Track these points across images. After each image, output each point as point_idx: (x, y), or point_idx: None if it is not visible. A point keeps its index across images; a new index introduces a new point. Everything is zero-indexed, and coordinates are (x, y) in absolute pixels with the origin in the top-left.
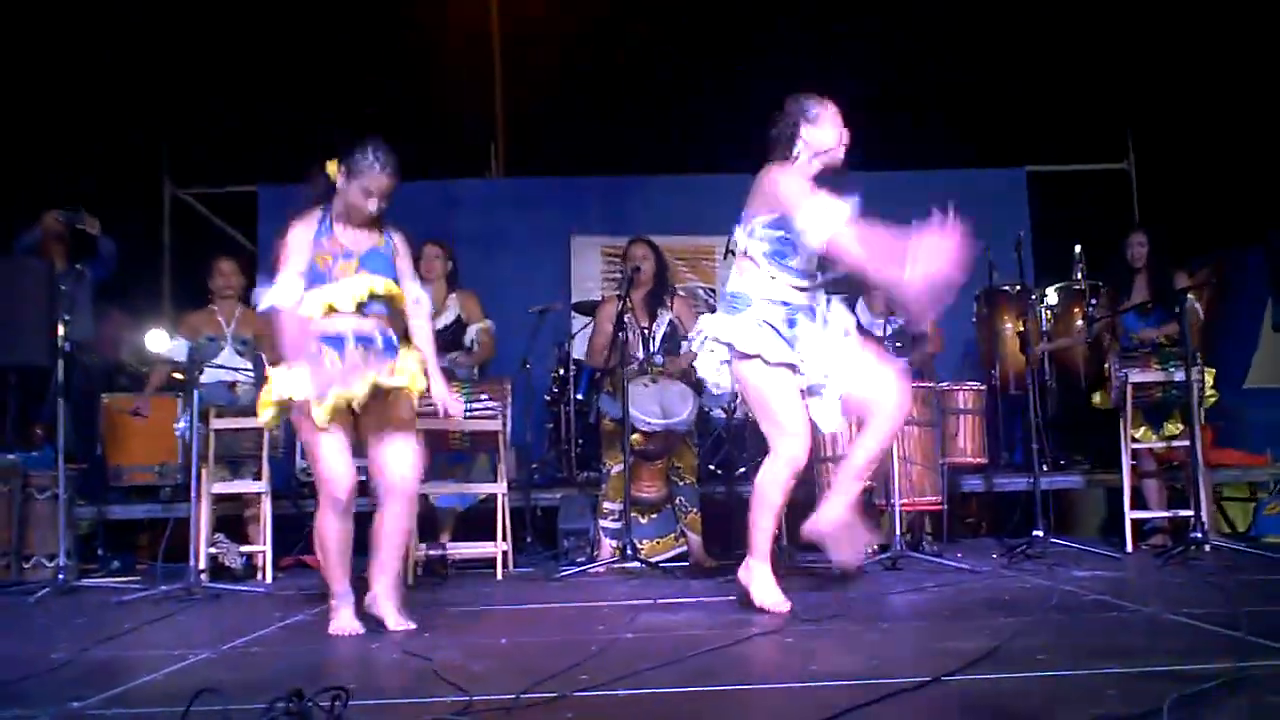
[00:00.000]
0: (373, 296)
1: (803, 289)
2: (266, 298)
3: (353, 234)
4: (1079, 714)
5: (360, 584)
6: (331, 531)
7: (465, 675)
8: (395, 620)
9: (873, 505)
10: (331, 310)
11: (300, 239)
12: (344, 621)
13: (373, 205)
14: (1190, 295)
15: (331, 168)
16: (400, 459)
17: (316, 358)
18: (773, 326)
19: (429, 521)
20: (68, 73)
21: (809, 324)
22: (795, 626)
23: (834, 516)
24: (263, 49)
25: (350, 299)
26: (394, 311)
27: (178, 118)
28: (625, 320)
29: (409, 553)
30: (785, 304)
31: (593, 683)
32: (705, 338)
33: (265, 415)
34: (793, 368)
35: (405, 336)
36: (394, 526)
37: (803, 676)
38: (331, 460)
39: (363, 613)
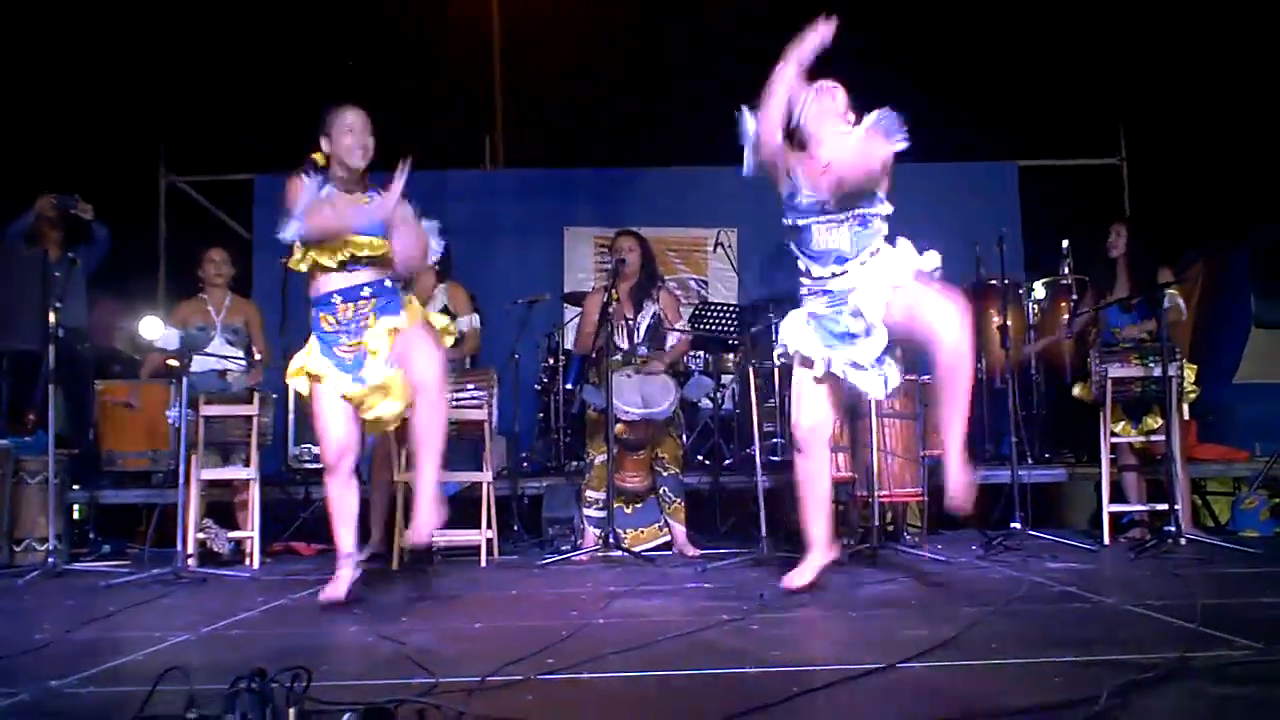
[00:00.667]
0: (355, 258)
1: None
2: (291, 230)
3: (344, 197)
4: (1021, 700)
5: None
6: (331, 497)
7: (436, 659)
8: (426, 515)
9: (853, 499)
10: (321, 269)
11: (303, 184)
12: (335, 587)
13: (356, 143)
14: (1171, 290)
15: (319, 155)
16: (421, 360)
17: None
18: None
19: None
20: (64, 60)
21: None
22: (763, 614)
23: (958, 478)
24: (260, 38)
25: (334, 258)
26: (385, 264)
27: (174, 105)
28: (610, 311)
29: (397, 532)
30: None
31: (558, 666)
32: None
33: (298, 383)
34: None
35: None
36: (425, 421)
37: (762, 662)
38: (326, 420)
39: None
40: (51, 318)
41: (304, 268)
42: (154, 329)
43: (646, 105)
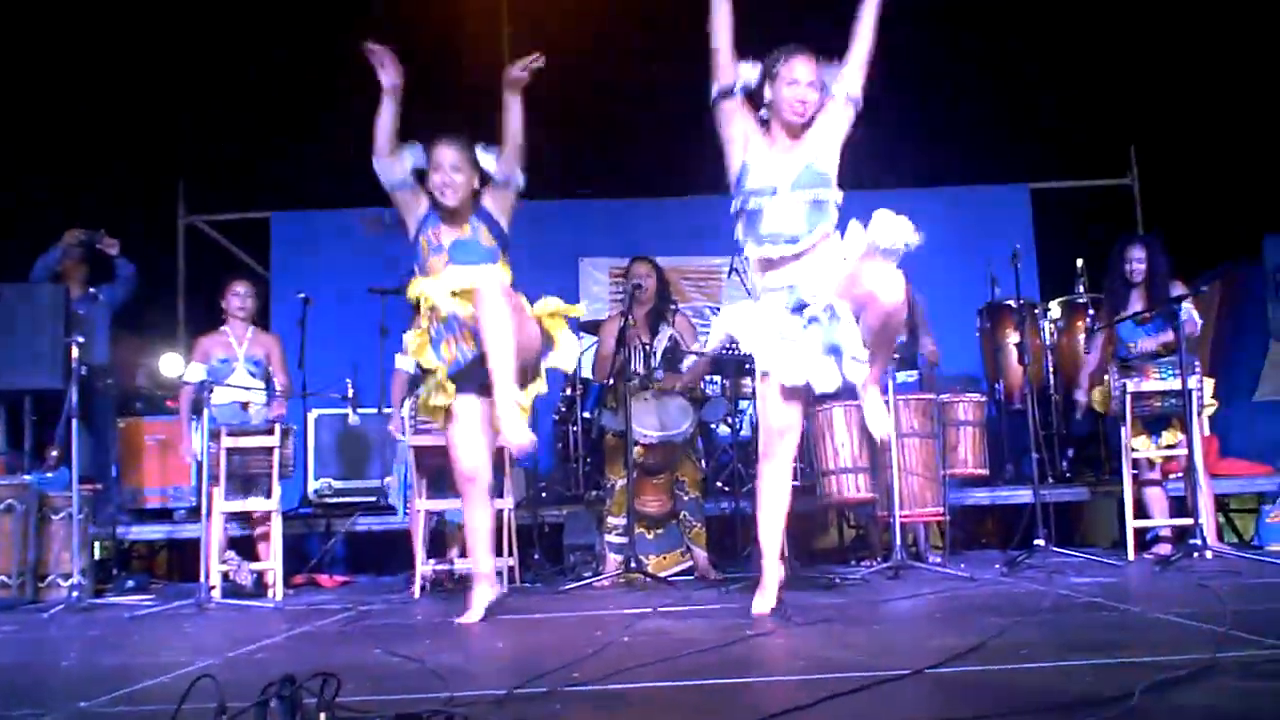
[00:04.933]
0: (455, 294)
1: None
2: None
3: (446, 230)
4: (1053, 700)
5: None
6: (465, 512)
7: (461, 675)
8: (507, 425)
9: (874, 519)
10: (430, 304)
11: (420, 208)
12: (469, 612)
13: (443, 181)
14: (1186, 304)
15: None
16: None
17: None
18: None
19: (438, 537)
20: (84, 100)
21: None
22: (788, 628)
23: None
24: (276, 79)
25: (441, 293)
26: None
27: (193, 145)
28: (627, 336)
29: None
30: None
31: (584, 679)
32: None
33: (437, 400)
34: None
35: None
36: (484, 327)
37: (788, 670)
38: (455, 437)
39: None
40: (74, 353)
41: (411, 296)
42: (174, 366)
43: (659, 135)
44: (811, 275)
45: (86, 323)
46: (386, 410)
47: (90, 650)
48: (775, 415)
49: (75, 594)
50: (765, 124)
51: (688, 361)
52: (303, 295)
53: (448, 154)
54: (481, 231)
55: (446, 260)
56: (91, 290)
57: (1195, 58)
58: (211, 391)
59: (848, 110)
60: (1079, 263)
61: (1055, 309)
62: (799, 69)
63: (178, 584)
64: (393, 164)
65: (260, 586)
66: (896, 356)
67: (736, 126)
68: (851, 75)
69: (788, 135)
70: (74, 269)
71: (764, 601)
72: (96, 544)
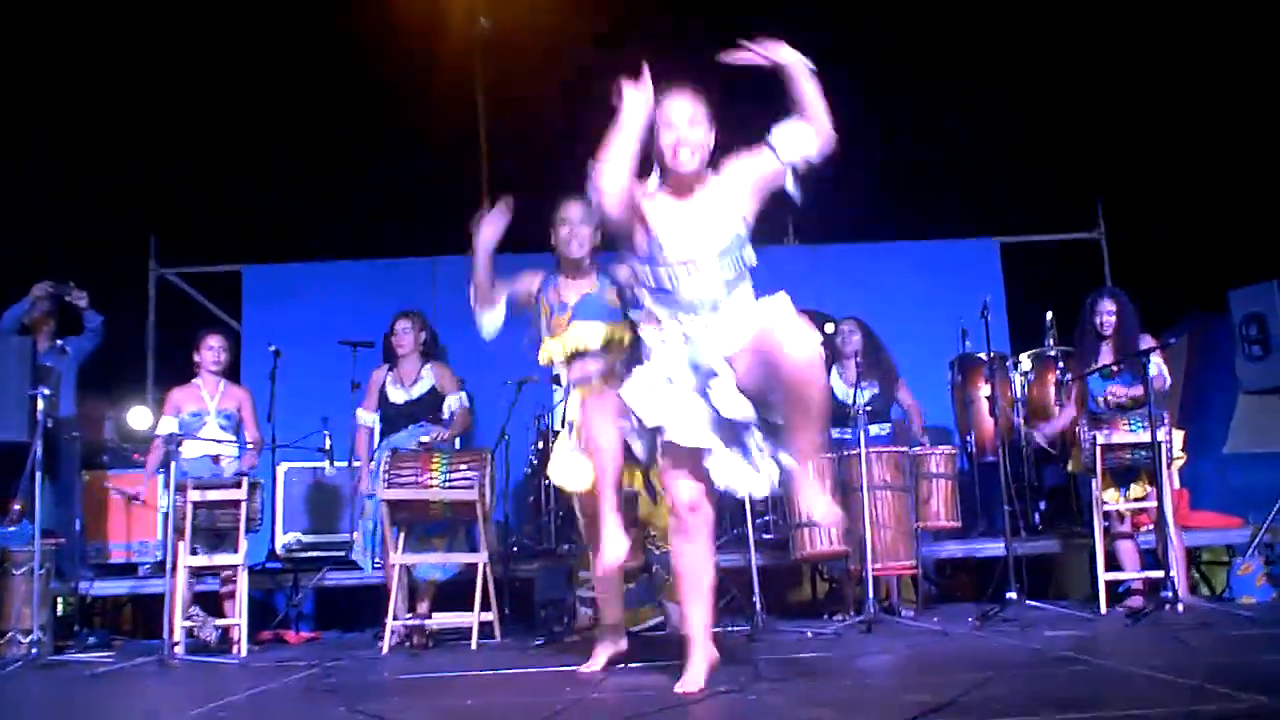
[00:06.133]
0: (577, 352)
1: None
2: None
3: (570, 285)
4: None
5: None
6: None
7: None
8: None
9: (847, 573)
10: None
11: (532, 276)
12: (594, 661)
13: (571, 235)
14: (1155, 357)
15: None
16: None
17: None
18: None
19: (408, 591)
20: (56, 152)
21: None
22: (760, 684)
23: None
24: (250, 131)
25: (563, 352)
26: (614, 348)
27: (164, 198)
28: None
29: (390, 614)
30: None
31: None
32: None
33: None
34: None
35: None
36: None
37: None
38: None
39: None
40: (40, 405)
41: (543, 360)
42: (143, 419)
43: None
44: (715, 334)
45: (53, 375)
46: (357, 464)
47: (48, 709)
48: (683, 488)
49: (35, 650)
50: (662, 176)
51: None
52: (273, 348)
53: (573, 210)
54: (609, 291)
55: (571, 317)
56: (59, 343)
57: (1161, 115)
58: (180, 445)
59: (776, 167)
60: (1048, 315)
61: (1026, 361)
62: (674, 110)
63: (141, 641)
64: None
65: (225, 642)
66: (869, 409)
67: (630, 220)
68: (793, 136)
69: (687, 188)
70: (42, 321)
71: (691, 681)
72: (60, 600)
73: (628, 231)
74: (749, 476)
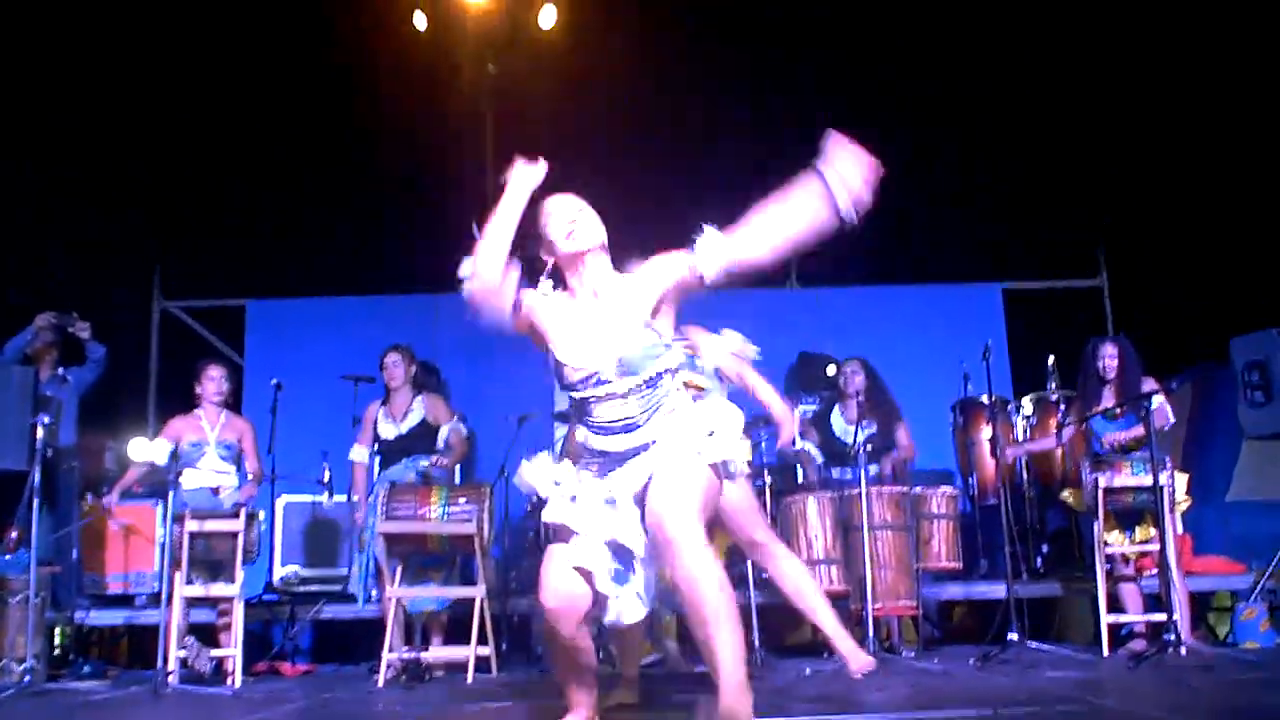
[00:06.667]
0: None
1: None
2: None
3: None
4: None
5: None
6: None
7: None
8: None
9: (847, 613)
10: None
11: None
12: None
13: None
14: (1158, 399)
15: None
16: None
17: None
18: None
19: (407, 626)
20: (61, 185)
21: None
22: (760, 717)
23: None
24: (255, 166)
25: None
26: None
27: (168, 232)
28: None
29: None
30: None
31: None
32: None
33: None
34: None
35: None
36: None
37: None
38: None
39: None
40: (40, 433)
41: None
42: (142, 450)
43: (627, 217)
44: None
45: (54, 404)
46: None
47: None
48: (553, 576)
49: (28, 678)
50: (557, 280)
51: None
52: (275, 381)
53: None
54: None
55: None
56: (60, 372)
57: (1164, 163)
58: (180, 474)
59: (688, 275)
60: (1050, 359)
61: (1028, 405)
62: (554, 205)
63: (136, 671)
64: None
65: (219, 674)
66: (869, 447)
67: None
68: (714, 252)
69: (588, 287)
70: (45, 351)
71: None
72: (58, 630)
73: (527, 336)
74: (624, 604)
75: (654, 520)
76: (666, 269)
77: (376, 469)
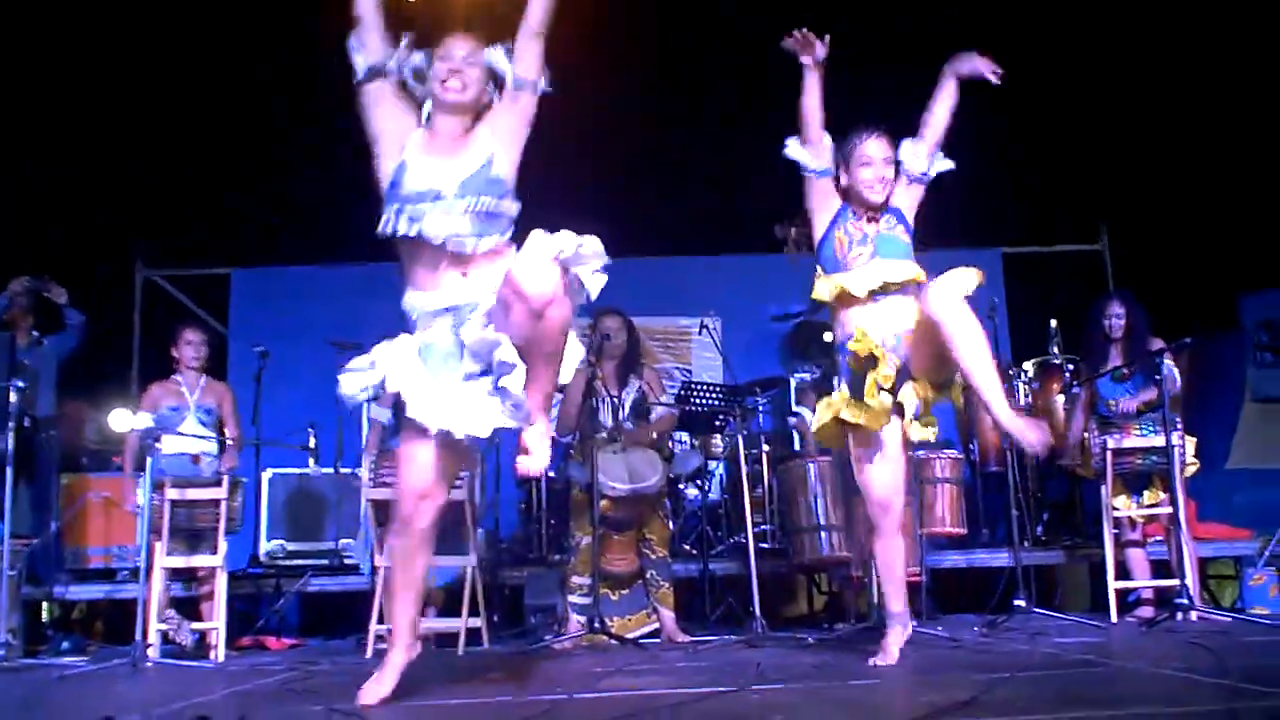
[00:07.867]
0: (884, 287)
1: None
2: None
3: (867, 223)
4: None
5: None
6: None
7: None
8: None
9: (849, 581)
10: (850, 297)
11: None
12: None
13: (875, 176)
14: (1167, 359)
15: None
16: None
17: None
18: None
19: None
20: (41, 153)
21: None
22: (763, 684)
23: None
24: (241, 133)
25: (863, 288)
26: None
27: (151, 200)
28: (595, 387)
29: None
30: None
31: None
32: None
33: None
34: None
35: None
36: None
37: None
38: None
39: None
40: (12, 398)
41: (827, 297)
42: (123, 421)
43: (626, 196)
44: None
45: (30, 371)
46: (344, 470)
47: (6, 710)
48: (414, 472)
49: (2, 653)
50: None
51: (655, 413)
52: (260, 349)
53: (878, 145)
54: (899, 229)
55: (871, 252)
56: (36, 335)
57: (1166, 127)
58: (158, 440)
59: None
60: (1053, 323)
61: (1030, 369)
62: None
63: (118, 646)
64: None
65: (202, 648)
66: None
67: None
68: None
69: (449, 134)
70: (20, 317)
71: (375, 691)
72: (45, 606)
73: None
74: (475, 416)
75: (515, 285)
76: (516, 112)
77: None
